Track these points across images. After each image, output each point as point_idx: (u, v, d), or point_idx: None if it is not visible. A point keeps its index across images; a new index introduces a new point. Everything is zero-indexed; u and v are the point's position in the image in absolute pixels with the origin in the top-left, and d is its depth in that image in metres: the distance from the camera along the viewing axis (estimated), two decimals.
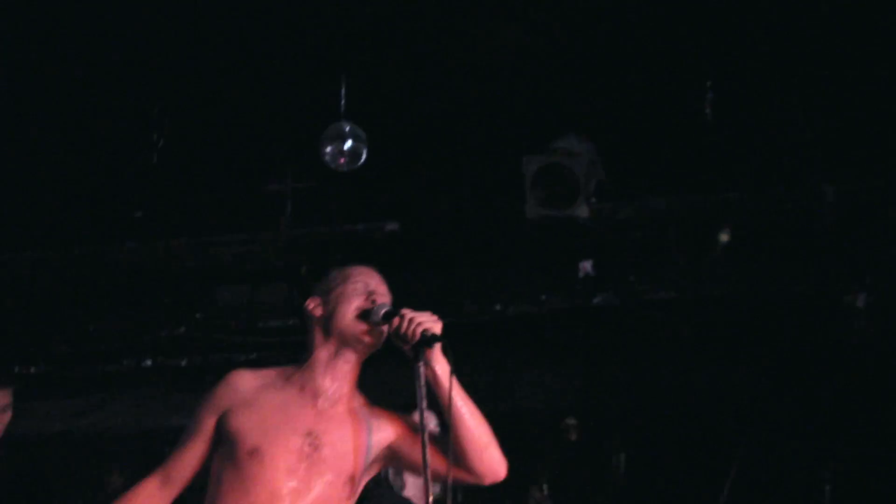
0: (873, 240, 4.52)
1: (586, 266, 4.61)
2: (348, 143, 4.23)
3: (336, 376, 2.17)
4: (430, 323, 2.04)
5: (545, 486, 5.19)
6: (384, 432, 2.19)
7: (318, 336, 2.21)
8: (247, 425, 2.13)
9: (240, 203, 4.77)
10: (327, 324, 2.18)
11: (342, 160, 4.25)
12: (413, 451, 2.08)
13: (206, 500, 2.18)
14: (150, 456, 4.44)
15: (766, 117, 4.28)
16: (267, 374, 2.25)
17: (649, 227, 4.61)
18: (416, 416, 2.04)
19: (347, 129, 4.21)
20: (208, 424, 2.21)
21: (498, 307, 4.82)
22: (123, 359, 5.19)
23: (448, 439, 2.00)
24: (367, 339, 2.12)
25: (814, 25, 4.01)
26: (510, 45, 4.21)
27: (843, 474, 4.50)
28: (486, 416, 2.07)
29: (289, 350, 4.26)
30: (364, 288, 2.18)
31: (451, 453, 1.98)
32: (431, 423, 2.62)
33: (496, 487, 4.96)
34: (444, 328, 2.04)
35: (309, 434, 2.12)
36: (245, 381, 2.24)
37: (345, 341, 2.16)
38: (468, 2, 4.16)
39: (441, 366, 2.04)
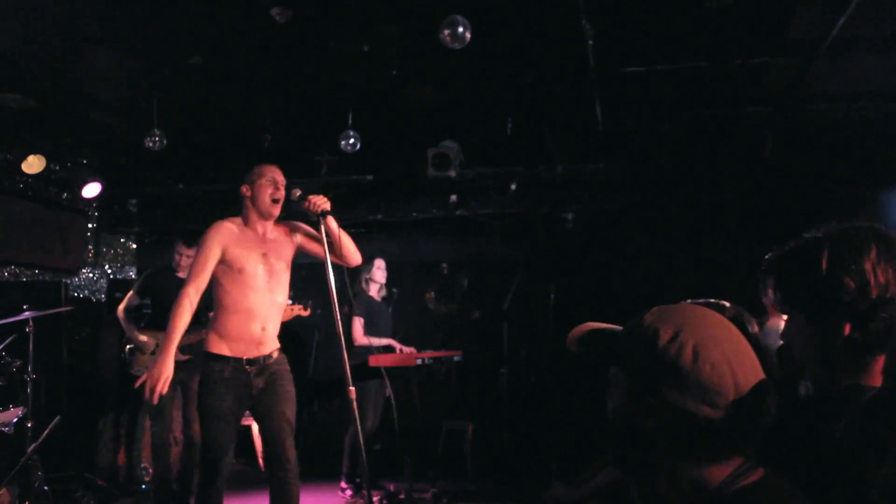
0: None
1: None
2: None
3: (266, 226, 4.07)
4: (324, 202, 3.89)
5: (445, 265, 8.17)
6: (298, 233, 4.15)
7: (248, 208, 4.07)
8: (236, 255, 3.96)
9: None
10: (254, 202, 4.05)
11: None
12: (311, 244, 4.13)
13: (218, 295, 4.01)
14: None
15: None
16: (235, 223, 4.05)
17: None
18: (314, 231, 4.05)
19: None
20: (215, 253, 3.94)
21: None
22: None
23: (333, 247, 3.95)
24: (275, 212, 4.05)
25: None
26: None
27: None
28: None
29: None
30: (271, 180, 4.04)
31: (338, 259, 4.01)
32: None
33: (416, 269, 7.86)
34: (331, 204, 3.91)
35: (262, 255, 4.02)
36: (229, 229, 4.00)
37: (262, 214, 4.05)
38: None
39: (332, 223, 3.92)
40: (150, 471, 6.54)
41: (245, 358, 3.96)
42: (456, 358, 6.80)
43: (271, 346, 4.07)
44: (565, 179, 7.34)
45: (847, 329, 1.51)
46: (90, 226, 8.52)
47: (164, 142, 6.29)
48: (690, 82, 5.82)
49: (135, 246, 9.05)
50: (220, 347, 3.97)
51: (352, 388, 3.73)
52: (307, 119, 6.82)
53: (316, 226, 4.01)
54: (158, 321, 6.00)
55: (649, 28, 5.05)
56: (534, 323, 7.50)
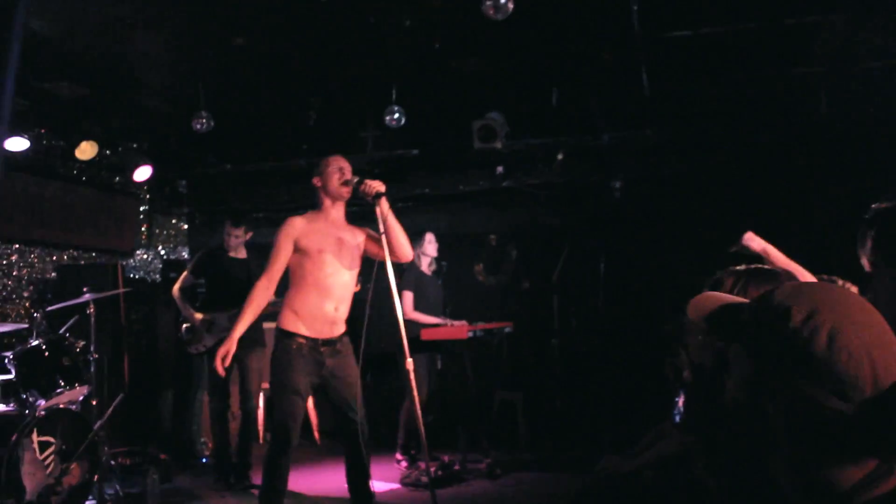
0: None
1: None
2: None
3: (338, 212, 4.29)
4: (379, 185, 4.09)
5: (493, 237, 8.27)
6: (363, 234, 4.32)
7: (322, 196, 4.28)
8: (313, 241, 4.15)
9: None
10: (325, 189, 4.26)
11: None
12: (372, 246, 4.27)
13: (297, 273, 4.20)
14: None
15: None
16: (307, 217, 4.25)
17: None
18: (375, 233, 4.13)
19: None
20: (287, 248, 4.15)
21: None
22: None
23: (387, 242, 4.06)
24: (345, 194, 4.22)
25: None
26: None
27: None
28: None
29: None
30: (338, 168, 4.22)
31: (388, 249, 4.03)
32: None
33: (464, 242, 8.48)
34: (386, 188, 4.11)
35: (338, 238, 4.23)
36: (300, 223, 4.20)
37: (334, 197, 4.26)
38: None
39: (385, 205, 4.10)
40: (210, 445, 6.73)
41: (321, 339, 4.14)
42: (507, 329, 6.80)
43: (342, 327, 4.25)
44: (612, 147, 7.26)
45: None
46: (142, 208, 8.68)
47: (212, 123, 6.38)
48: (738, 45, 5.68)
49: (186, 226, 9.21)
50: (297, 326, 4.15)
51: (409, 360, 3.82)
52: (351, 95, 6.83)
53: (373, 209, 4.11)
54: (213, 300, 6.16)
55: None
56: (584, 293, 7.47)
